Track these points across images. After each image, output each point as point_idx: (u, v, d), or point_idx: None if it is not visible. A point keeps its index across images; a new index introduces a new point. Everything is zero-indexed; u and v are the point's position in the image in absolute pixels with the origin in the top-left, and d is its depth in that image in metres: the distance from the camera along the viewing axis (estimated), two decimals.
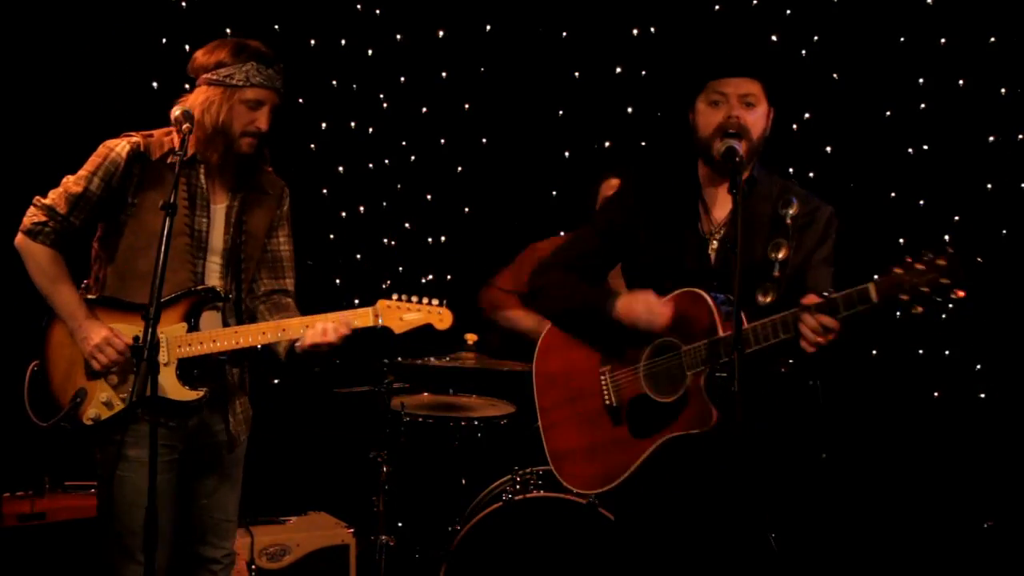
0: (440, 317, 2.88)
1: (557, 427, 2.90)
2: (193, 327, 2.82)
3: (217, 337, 2.82)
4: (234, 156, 2.84)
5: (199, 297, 2.83)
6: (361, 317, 2.85)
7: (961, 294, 2.32)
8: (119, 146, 2.80)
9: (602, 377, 2.81)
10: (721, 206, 2.78)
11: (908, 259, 2.35)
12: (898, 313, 2.44)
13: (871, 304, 2.39)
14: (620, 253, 2.90)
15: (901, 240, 5.07)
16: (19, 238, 2.82)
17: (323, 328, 2.78)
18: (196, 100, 2.81)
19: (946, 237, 4.90)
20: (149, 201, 2.79)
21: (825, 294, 2.46)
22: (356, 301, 5.16)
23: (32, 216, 2.81)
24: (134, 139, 2.82)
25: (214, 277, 2.88)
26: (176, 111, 2.74)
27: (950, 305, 2.35)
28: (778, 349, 2.54)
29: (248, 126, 2.81)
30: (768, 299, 2.59)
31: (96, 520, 2.87)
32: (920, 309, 2.35)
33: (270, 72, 2.83)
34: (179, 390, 2.79)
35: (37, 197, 2.83)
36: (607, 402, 2.79)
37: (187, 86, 2.95)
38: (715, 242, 2.75)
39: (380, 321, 2.84)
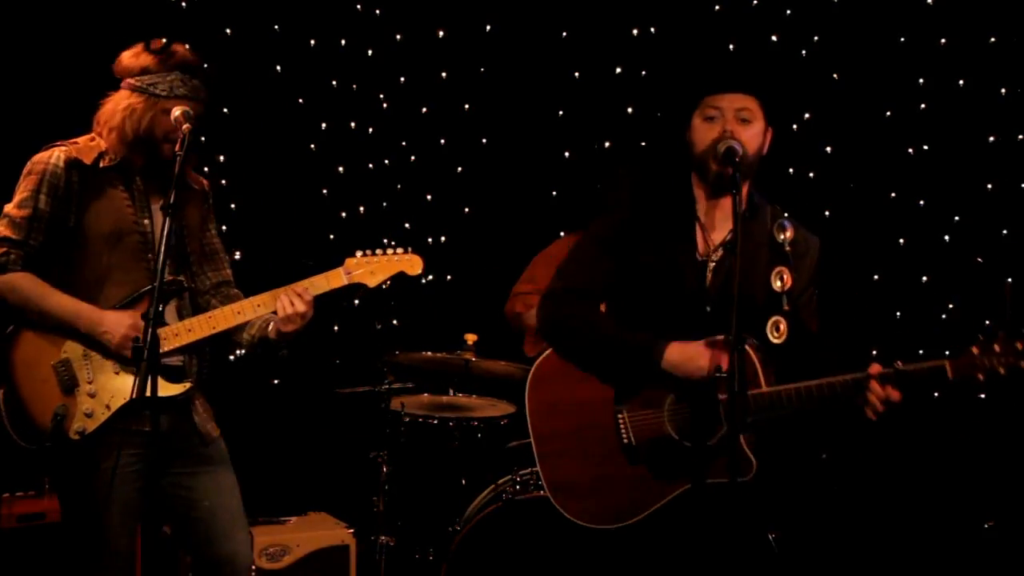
0: (411, 263, 2.88)
1: (557, 457, 2.80)
2: (159, 323, 2.73)
3: (192, 326, 2.81)
4: (158, 161, 2.81)
5: (163, 291, 2.74)
6: (332, 278, 2.84)
7: None
8: (53, 157, 2.77)
9: (619, 415, 2.72)
10: (719, 227, 2.73)
11: (982, 338, 2.43)
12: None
13: (944, 382, 2.45)
14: (619, 270, 2.80)
15: (901, 240, 5.08)
16: None
17: (289, 300, 2.77)
18: (119, 105, 2.79)
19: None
20: (90, 208, 2.77)
21: (898, 365, 2.48)
22: (356, 302, 5.20)
23: None
24: (64, 148, 2.79)
25: (165, 274, 2.82)
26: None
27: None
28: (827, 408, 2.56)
29: (170, 134, 2.77)
30: (780, 338, 2.58)
31: (62, 528, 2.81)
32: (986, 387, 2.47)
33: (195, 83, 2.81)
34: (165, 386, 2.75)
35: None
36: (624, 440, 2.71)
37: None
38: (712, 264, 2.71)
39: (352, 279, 2.84)
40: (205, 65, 2.86)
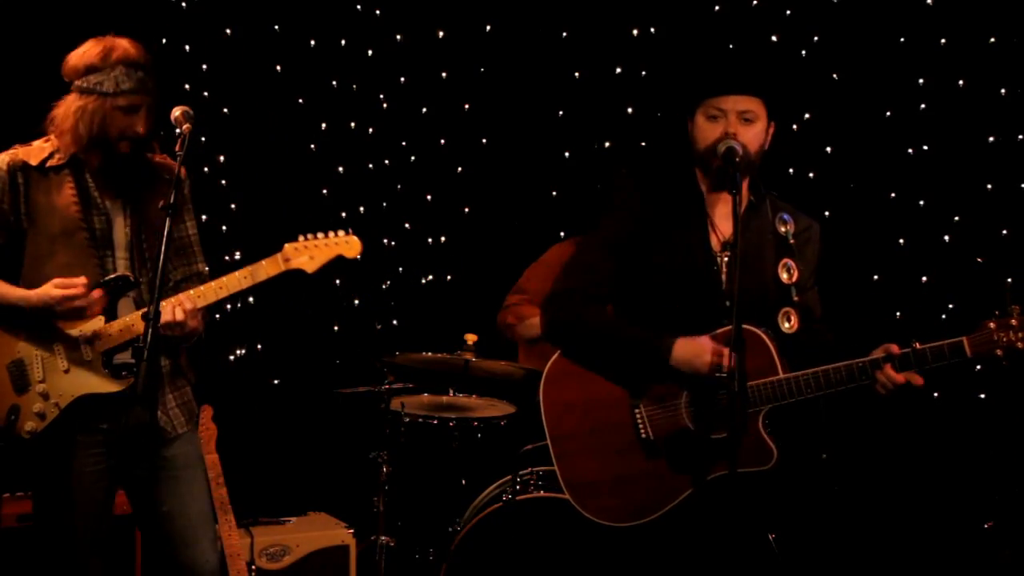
0: (348, 245, 2.81)
1: (574, 457, 2.79)
2: (111, 318, 2.76)
3: (135, 321, 2.74)
4: (117, 157, 2.78)
5: (111, 287, 2.76)
6: (269, 265, 2.77)
7: None
8: None
9: (636, 411, 2.73)
10: (725, 220, 2.73)
11: (997, 313, 2.46)
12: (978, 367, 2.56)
13: (963, 359, 2.49)
14: (628, 269, 2.80)
15: (901, 240, 5.07)
16: None
17: (172, 308, 2.69)
18: (70, 108, 2.77)
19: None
20: (40, 207, 2.78)
21: (915, 345, 2.52)
22: (356, 301, 5.20)
23: None
24: (11, 152, 2.82)
25: (122, 271, 2.82)
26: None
27: None
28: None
29: (125, 131, 2.75)
30: (791, 326, 2.63)
31: (32, 530, 2.82)
32: (1007, 363, 2.48)
33: (139, 75, 2.76)
34: (105, 383, 2.74)
35: None
36: (643, 435, 2.71)
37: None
38: (724, 260, 2.73)
39: (291, 265, 2.77)
40: (146, 56, 2.81)
